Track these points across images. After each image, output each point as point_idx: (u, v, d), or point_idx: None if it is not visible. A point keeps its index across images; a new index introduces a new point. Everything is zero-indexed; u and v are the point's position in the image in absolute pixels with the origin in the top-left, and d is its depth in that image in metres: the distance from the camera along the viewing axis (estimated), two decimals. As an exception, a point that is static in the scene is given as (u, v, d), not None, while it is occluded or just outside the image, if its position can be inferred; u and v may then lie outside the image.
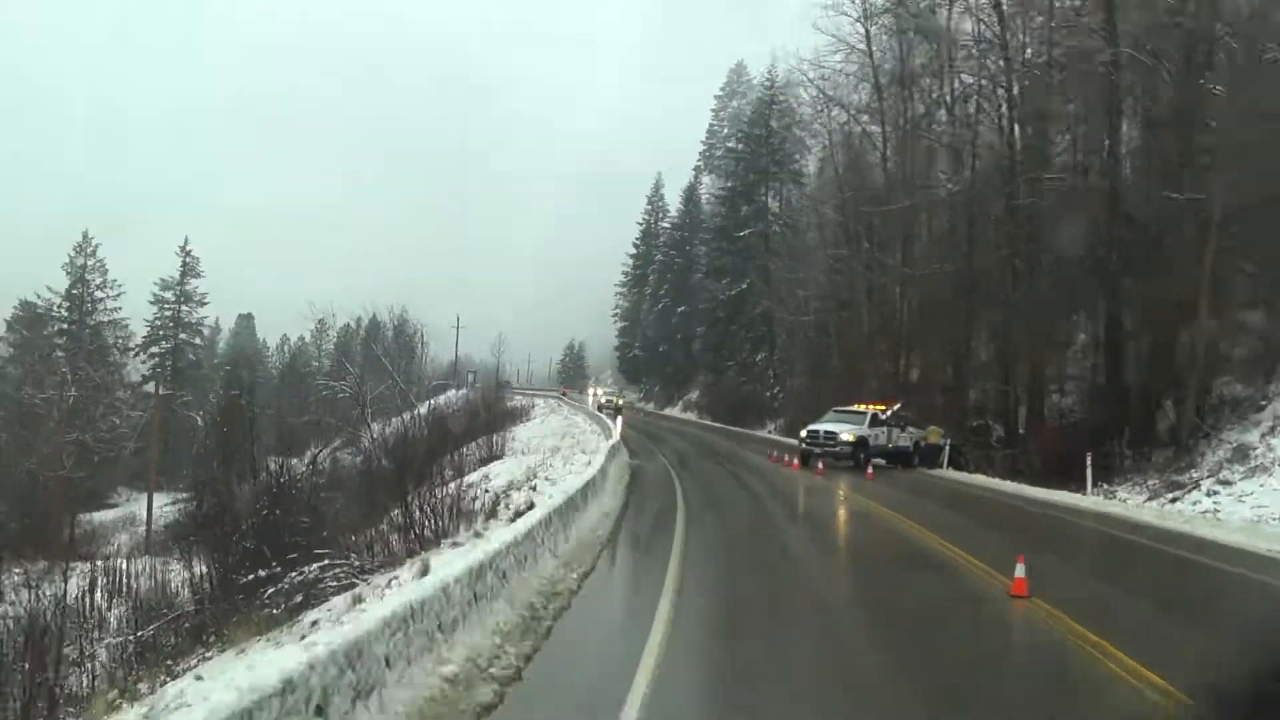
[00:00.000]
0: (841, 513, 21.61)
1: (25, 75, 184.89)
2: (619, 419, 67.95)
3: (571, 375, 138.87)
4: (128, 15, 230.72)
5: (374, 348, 55.69)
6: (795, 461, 32.25)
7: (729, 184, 78.16)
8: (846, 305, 61.10)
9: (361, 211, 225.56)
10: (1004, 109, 43.69)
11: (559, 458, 29.35)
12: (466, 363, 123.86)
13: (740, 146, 77.63)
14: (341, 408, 48.98)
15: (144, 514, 58.12)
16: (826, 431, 32.54)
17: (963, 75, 47.29)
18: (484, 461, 36.40)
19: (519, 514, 16.40)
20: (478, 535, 16.08)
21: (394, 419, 60.77)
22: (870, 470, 30.19)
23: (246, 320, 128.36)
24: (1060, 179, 40.17)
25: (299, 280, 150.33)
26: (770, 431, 64.82)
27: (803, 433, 33.70)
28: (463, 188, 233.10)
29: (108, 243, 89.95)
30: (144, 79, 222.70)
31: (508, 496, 20.48)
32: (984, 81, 44.88)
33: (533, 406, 77.58)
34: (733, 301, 73.34)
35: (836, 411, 34.70)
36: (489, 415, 48.93)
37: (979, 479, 31.65)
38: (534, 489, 21.23)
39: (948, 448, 36.00)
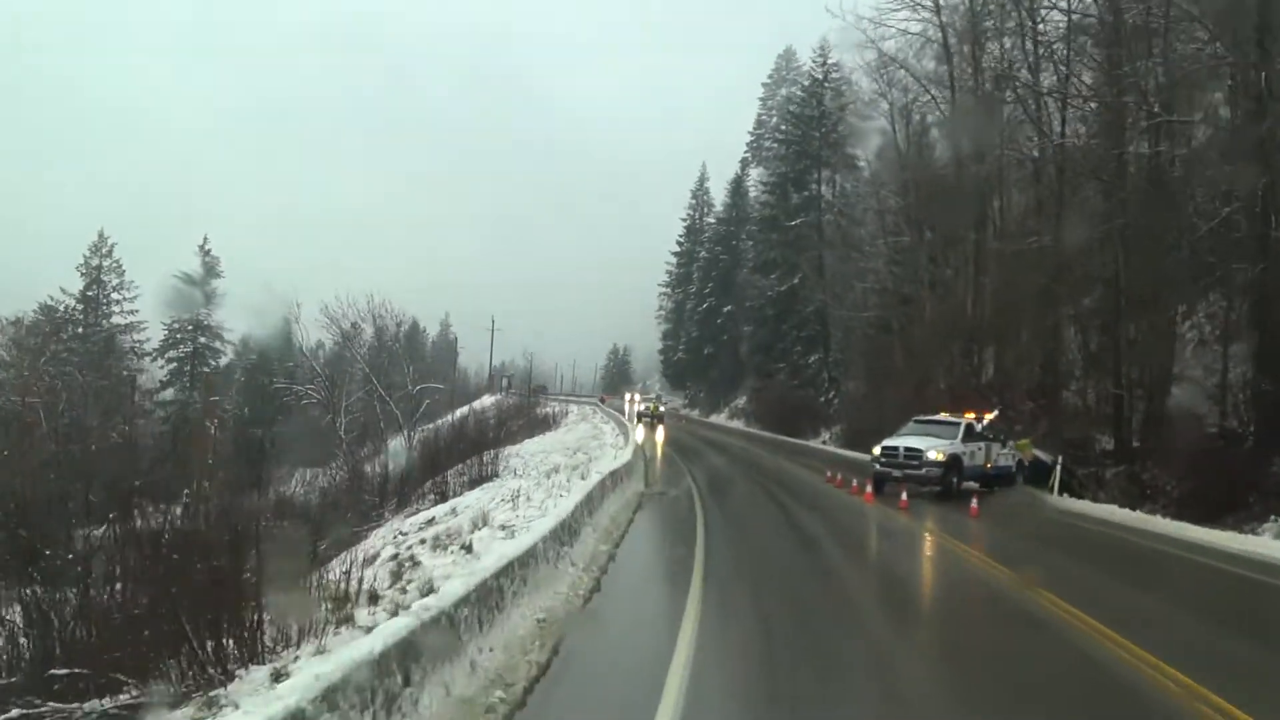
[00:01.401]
0: (970, 599, 12.61)
1: (54, 74, 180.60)
2: (659, 430, 60.18)
3: (616, 381, 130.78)
4: (159, 15, 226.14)
5: (351, 349, 47.47)
6: (869, 491, 23.82)
7: (779, 169, 69.51)
8: (908, 300, 52.57)
9: (405, 214, 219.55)
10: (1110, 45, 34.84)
11: (545, 487, 21.15)
12: (510, 369, 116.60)
13: (790, 129, 68.98)
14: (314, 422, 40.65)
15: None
16: (908, 448, 24.03)
17: (1054, 14, 38.43)
18: (473, 483, 28.61)
19: (397, 612, 8.42)
20: (277, 677, 8.00)
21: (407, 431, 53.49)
22: (974, 504, 21.50)
23: (282, 324, 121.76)
24: (1211, 122, 31.23)
25: (339, 283, 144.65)
26: (825, 441, 56.48)
27: (876, 449, 25.14)
28: (505, 192, 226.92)
29: (141, 245, 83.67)
30: (177, 78, 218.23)
31: (415, 567, 12.33)
32: (1081, 15, 36.15)
33: (565, 414, 69.80)
34: (783, 298, 64.82)
35: (919, 422, 26.13)
36: (478, 432, 40.64)
37: (1115, 513, 22.96)
38: (467, 548, 13.01)
39: (1059, 468, 27.23)
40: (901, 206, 54.21)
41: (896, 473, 23.83)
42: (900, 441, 24.39)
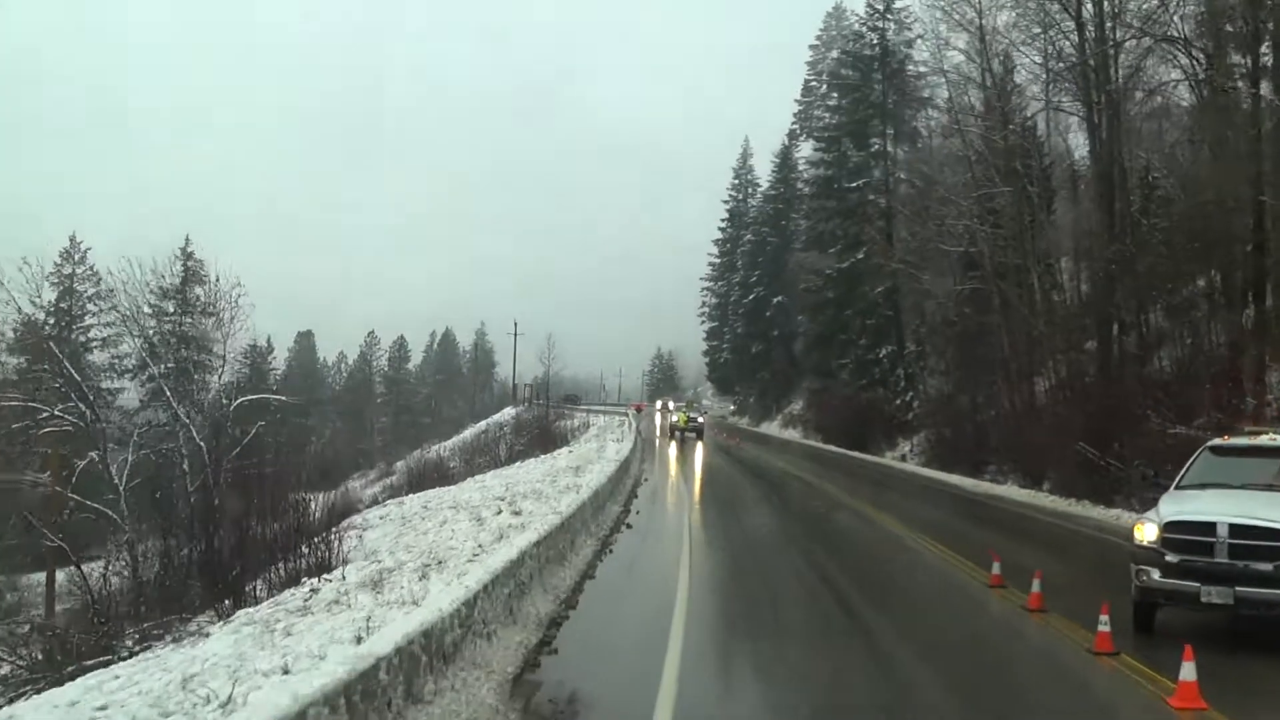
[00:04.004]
0: None
1: (89, 88, 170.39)
2: (698, 449, 45.45)
3: (661, 387, 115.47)
4: (192, 28, 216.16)
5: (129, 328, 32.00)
6: (1187, 682, 6.89)
7: (836, 120, 53.94)
8: (1003, 273, 37.40)
9: (442, 224, 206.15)
10: None
11: (373, 593, 6.57)
12: (549, 378, 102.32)
13: (846, 71, 53.38)
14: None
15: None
16: (1251, 527, 8.65)
17: None
18: (288, 582, 13.98)
19: None
20: None
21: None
22: None
23: (306, 337, 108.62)
24: None
25: (374, 296, 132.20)
26: (905, 456, 41.68)
27: (1147, 531, 9.34)
28: (545, 200, 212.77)
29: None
30: (216, 86, 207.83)
31: None
32: None
33: (585, 428, 55.26)
34: (844, 278, 49.69)
35: (1223, 453, 10.49)
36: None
37: None
38: None
39: None
40: (998, 150, 38.98)
41: (1214, 594, 8.55)
42: (1222, 512, 8.89)
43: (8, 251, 38.70)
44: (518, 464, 33.41)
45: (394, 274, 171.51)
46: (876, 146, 51.04)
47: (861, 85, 51.90)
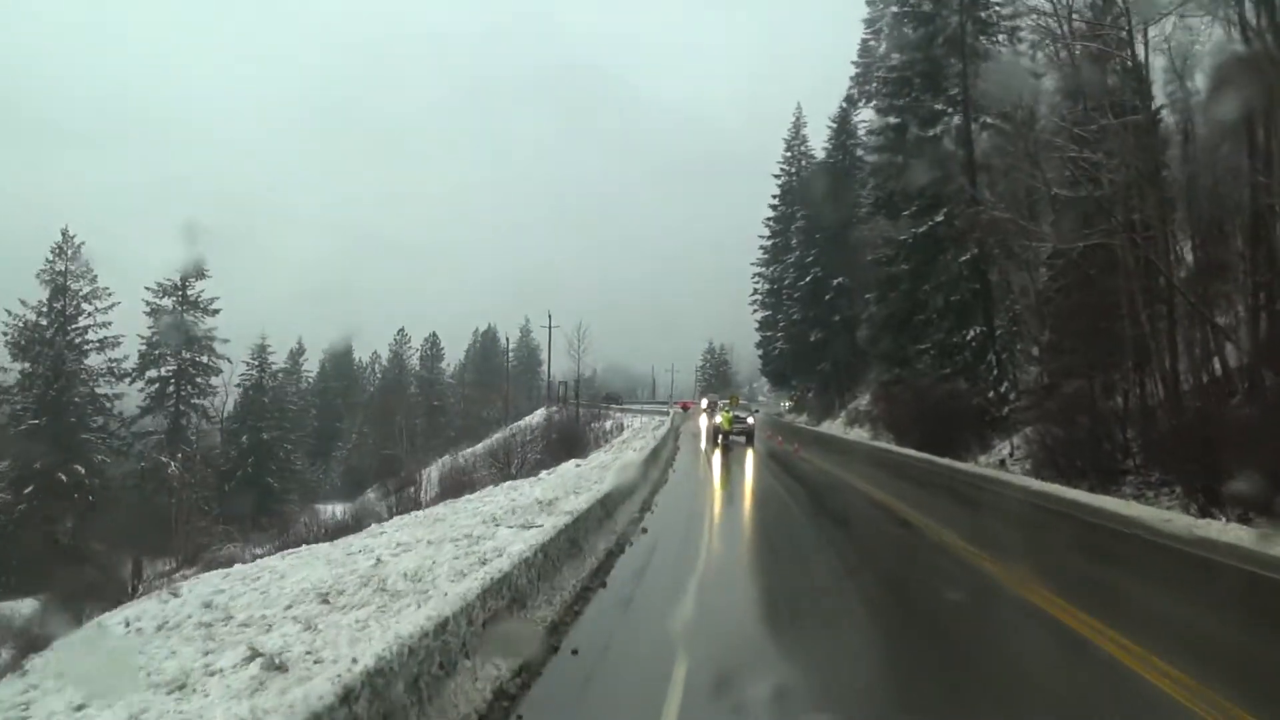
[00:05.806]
0: None
1: (129, 101, 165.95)
2: (748, 453, 36.53)
3: (714, 383, 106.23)
4: (252, 42, 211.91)
5: None
6: None
7: (904, 58, 44.14)
8: (1132, 226, 28.08)
9: (488, 223, 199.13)
10: None
11: None
12: (598, 376, 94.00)
13: (919, 3, 43.48)
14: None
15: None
16: None
17: None
18: None
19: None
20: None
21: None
22: None
23: (342, 338, 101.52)
24: None
25: (417, 299, 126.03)
26: (1005, 461, 32.61)
27: None
28: (598, 195, 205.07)
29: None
30: (250, 96, 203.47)
31: None
32: None
33: (618, 430, 46.84)
34: (920, 246, 40.50)
35: None
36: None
37: None
38: None
39: None
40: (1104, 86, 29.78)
41: None
42: None
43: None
44: (491, 488, 24.87)
45: (436, 274, 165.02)
46: (952, 94, 41.41)
47: (934, 16, 42.31)
